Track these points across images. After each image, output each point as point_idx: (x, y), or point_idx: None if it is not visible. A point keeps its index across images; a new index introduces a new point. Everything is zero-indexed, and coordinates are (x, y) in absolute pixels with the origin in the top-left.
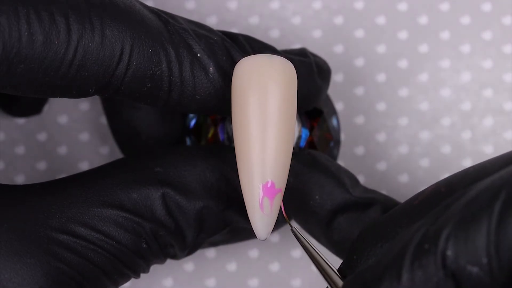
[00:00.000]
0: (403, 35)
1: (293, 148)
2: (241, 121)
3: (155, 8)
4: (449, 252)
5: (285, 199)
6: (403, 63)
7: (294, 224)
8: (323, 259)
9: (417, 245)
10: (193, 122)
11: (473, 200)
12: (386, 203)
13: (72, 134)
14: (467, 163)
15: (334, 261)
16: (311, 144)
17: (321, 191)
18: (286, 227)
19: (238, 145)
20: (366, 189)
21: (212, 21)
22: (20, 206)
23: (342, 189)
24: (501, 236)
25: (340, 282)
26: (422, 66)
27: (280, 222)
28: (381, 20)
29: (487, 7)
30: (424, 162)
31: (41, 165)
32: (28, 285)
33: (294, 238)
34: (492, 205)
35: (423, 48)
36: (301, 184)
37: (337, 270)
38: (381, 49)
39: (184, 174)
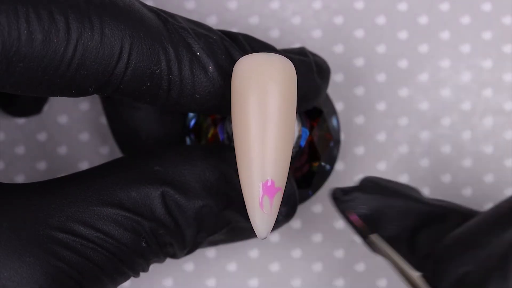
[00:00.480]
0: (403, 35)
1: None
2: (241, 119)
3: (154, 7)
4: None
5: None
6: (403, 63)
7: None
8: (408, 267)
9: None
10: (193, 122)
11: None
12: (460, 210)
13: (72, 134)
14: (467, 163)
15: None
16: (311, 143)
17: (397, 213)
18: (286, 227)
19: (238, 143)
20: (432, 199)
21: (212, 21)
22: (19, 205)
23: (417, 203)
24: None
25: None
26: (422, 66)
27: (279, 222)
28: (381, 20)
29: (487, 7)
30: (424, 162)
31: (41, 165)
32: (28, 284)
33: (294, 238)
34: None
35: (423, 48)
36: (377, 214)
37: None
38: (381, 49)
39: (183, 173)
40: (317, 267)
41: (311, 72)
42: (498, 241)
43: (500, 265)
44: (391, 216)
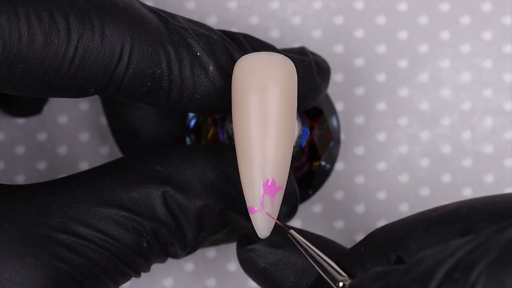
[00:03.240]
0: (403, 35)
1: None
2: (242, 118)
3: (154, 7)
4: None
5: None
6: (403, 63)
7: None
8: (327, 262)
9: (448, 271)
10: (193, 122)
11: None
12: None
13: (72, 134)
14: (467, 163)
15: None
16: (311, 143)
17: None
18: None
19: (238, 142)
20: None
21: (212, 21)
22: (20, 206)
23: None
24: None
25: (345, 280)
26: (422, 66)
27: (280, 220)
28: (381, 20)
29: (487, 7)
30: (424, 162)
31: (41, 165)
32: (29, 285)
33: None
34: None
35: (423, 48)
36: None
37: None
38: (381, 49)
39: (184, 172)
40: None
41: (311, 71)
42: (438, 251)
43: (422, 279)
44: None
